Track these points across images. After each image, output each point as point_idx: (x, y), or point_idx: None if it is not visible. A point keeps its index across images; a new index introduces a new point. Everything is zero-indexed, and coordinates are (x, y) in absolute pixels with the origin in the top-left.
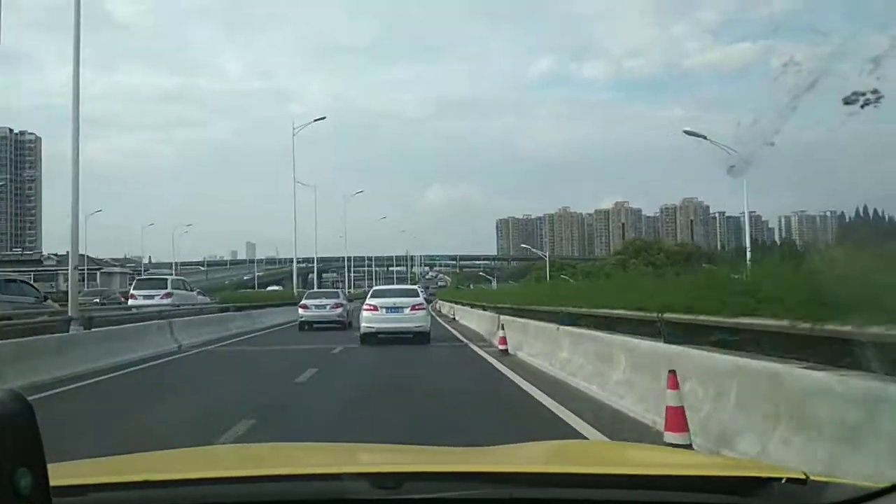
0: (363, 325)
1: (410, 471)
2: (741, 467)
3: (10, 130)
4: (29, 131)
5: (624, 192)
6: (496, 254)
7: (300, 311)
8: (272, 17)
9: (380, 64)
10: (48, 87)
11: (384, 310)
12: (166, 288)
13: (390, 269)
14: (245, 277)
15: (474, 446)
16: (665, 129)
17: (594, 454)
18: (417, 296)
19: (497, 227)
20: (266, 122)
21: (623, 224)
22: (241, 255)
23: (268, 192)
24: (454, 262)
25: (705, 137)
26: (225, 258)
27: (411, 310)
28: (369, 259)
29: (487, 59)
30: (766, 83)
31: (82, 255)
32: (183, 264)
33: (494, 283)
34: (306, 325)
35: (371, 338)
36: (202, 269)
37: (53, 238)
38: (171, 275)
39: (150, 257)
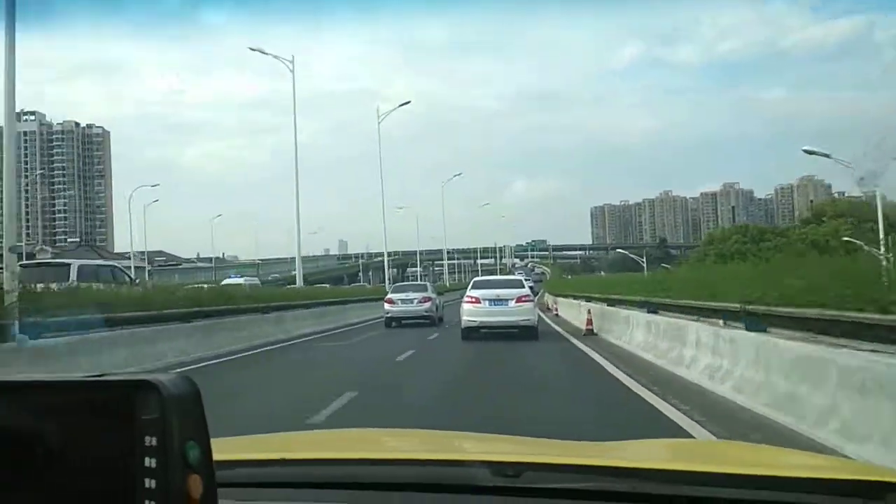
0: (464, 318)
1: (530, 461)
2: (863, 471)
3: (77, 124)
4: (97, 125)
5: (725, 176)
6: (591, 242)
7: (386, 305)
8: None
9: (462, 59)
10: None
11: (487, 302)
12: (68, 279)
13: (477, 261)
14: (273, 278)
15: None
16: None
17: (712, 453)
18: (522, 286)
19: (592, 214)
20: (353, 123)
21: (733, 207)
22: (334, 252)
23: (361, 190)
24: (546, 253)
25: (828, 156)
26: (317, 255)
27: (516, 302)
28: (451, 252)
29: (573, 49)
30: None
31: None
32: (242, 262)
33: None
34: (393, 322)
35: (473, 332)
36: (258, 262)
37: (126, 237)
38: (79, 260)
39: (223, 252)
